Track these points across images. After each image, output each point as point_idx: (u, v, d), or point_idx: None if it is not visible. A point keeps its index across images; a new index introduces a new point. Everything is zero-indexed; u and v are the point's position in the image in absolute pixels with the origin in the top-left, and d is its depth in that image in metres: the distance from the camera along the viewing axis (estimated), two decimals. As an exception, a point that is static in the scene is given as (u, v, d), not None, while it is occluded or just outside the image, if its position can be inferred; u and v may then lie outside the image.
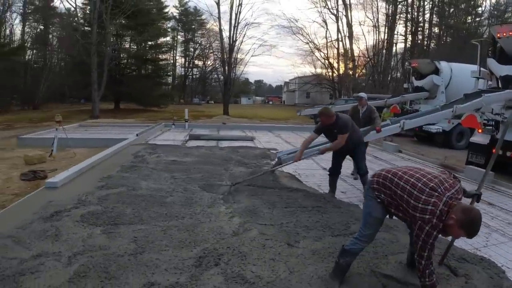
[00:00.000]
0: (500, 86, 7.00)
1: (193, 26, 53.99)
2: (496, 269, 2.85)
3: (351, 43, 30.65)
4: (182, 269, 2.57)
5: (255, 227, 3.42)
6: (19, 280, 2.38)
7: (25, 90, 28.77)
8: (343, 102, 17.37)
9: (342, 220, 3.70)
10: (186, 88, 57.70)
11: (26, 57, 31.87)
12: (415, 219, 2.02)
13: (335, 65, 33.51)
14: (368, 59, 33.25)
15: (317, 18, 79.24)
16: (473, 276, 2.68)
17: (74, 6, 25.34)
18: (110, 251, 2.81)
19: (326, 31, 38.14)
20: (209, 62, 53.07)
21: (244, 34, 28.20)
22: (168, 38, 43.76)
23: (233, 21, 25.63)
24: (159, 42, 35.67)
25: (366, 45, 39.87)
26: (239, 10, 25.53)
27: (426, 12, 33.26)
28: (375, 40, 33.58)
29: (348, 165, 5.08)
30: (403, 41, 34.02)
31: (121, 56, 31.28)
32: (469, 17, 32.29)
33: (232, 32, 25.76)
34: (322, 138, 4.92)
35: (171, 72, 49.76)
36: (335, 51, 33.23)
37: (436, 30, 33.90)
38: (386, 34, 32.30)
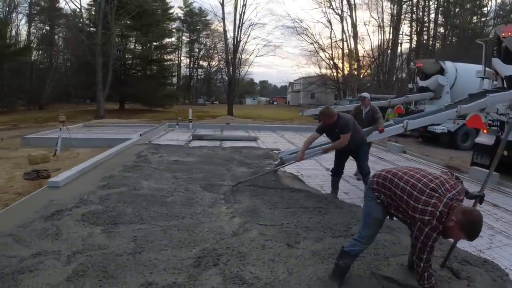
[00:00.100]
0: (505, 86, 6.92)
1: (198, 27, 54.14)
2: (500, 271, 2.80)
3: (355, 43, 30.59)
4: (180, 269, 2.55)
5: (255, 228, 3.40)
6: (18, 278, 2.38)
7: (31, 90, 29.07)
8: (348, 102, 17.33)
9: (344, 221, 3.67)
10: (191, 88, 57.90)
11: (32, 57, 32.24)
12: (415, 220, 1.98)
13: (340, 65, 33.47)
14: (373, 60, 33.12)
15: (322, 18, 78.91)
16: (475, 278, 2.63)
17: (79, 7, 25.54)
18: (109, 251, 2.81)
19: (331, 32, 38.34)
20: (214, 63, 53.17)
21: (249, 35, 28.29)
22: (173, 39, 43.93)
23: (237, 22, 25.71)
24: (164, 42, 35.88)
25: (371, 45, 39.70)
26: (243, 10, 25.60)
27: (431, 12, 33.12)
28: (380, 40, 33.54)
29: (351, 165, 5.04)
30: (408, 41, 33.88)
31: (126, 56, 31.48)
32: (475, 17, 32.09)
33: (236, 33, 25.84)
34: (324, 138, 4.89)
35: (176, 73, 49.99)
36: (340, 51, 33.22)
37: (441, 30, 33.75)
38: (391, 34, 32.21)
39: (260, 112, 30.22)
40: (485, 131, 6.80)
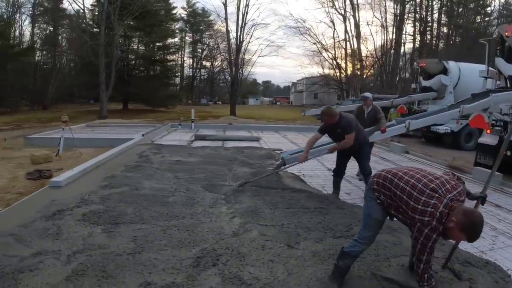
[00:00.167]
0: (508, 85, 6.87)
1: (201, 27, 54.24)
2: (502, 273, 2.77)
3: (358, 43, 30.49)
4: (179, 269, 2.55)
5: (256, 228, 3.39)
6: (18, 278, 2.39)
7: (35, 90, 29.20)
8: (350, 102, 17.27)
9: (345, 222, 3.65)
10: (194, 89, 57.99)
11: (36, 58, 32.36)
12: (414, 221, 1.96)
13: (343, 65, 33.37)
14: (376, 59, 33.01)
15: (325, 18, 78.74)
16: (477, 280, 2.60)
17: (83, 7, 25.67)
18: (109, 250, 2.81)
19: (334, 31, 38.11)
20: (217, 63, 53.36)
21: (251, 35, 28.27)
22: (176, 39, 44.10)
23: (240, 22, 25.72)
24: (167, 43, 35.95)
25: (374, 45, 39.57)
26: (246, 10, 25.60)
27: (435, 11, 32.91)
28: (383, 40, 33.37)
29: (353, 165, 5.02)
30: (412, 41, 33.72)
31: (129, 57, 31.54)
32: (478, 17, 31.92)
33: (239, 33, 25.84)
34: (326, 138, 4.87)
35: (179, 73, 50.14)
36: (343, 51, 33.11)
37: (445, 30, 33.57)
38: (394, 34, 32.06)
39: (263, 112, 30.20)
40: (488, 131, 6.75)
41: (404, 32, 32.58)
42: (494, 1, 32.57)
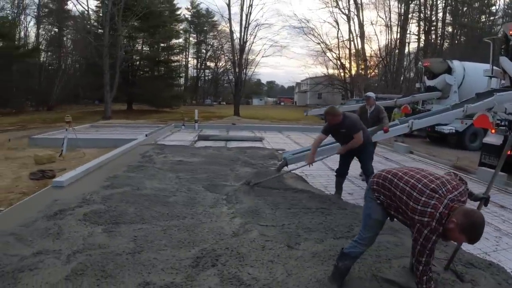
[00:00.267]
0: (513, 85, 6.80)
1: (205, 28, 54.42)
2: (505, 274, 2.72)
3: (362, 43, 30.39)
4: (178, 269, 2.54)
5: (256, 228, 3.37)
6: (17, 277, 2.40)
7: (40, 91, 29.44)
8: (354, 102, 17.21)
9: (346, 222, 3.62)
10: (198, 89, 58.18)
11: (41, 59, 32.64)
12: (414, 222, 1.92)
13: (347, 65, 33.26)
14: (380, 59, 32.86)
15: (329, 18, 78.78)
16: (480, 282, 2.57)
17: (87, 9, 25.82)
18: (109, 250, 2.82)
19: (338, 31, 37.92)
20: (221, 64, 53.40)
21: (255, 35, 28.30)
22: (180, 40, 44.24)
23: (243, 22, 25.75)
24: (171, 44, 36.16)
25: (379, 45, 39.45)
26: (249, 11, 25.63)
27: (439, 11, 32.72)
28: (387, 40, 33.25)
29: (356, 166, 4.98)
30: (416, 40, 33.55)
31: (134, 57, 31.70)
32: (483, 16, 31.63)
33: (243, 33, 25.88)
34: (329, 138, 4.83)
35: (183, 74, 50.30)
36: (347, 51, 33.00)
37: (449, 29, 33.31)
38: (398, 34, 31.89)
39: (266, 113, 30.20)
40: (493, 130, 6.68)
41: (408, 31, 32.40)
42: (499, 0, 32.28)
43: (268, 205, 4.09)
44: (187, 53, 54.76)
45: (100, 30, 27.07)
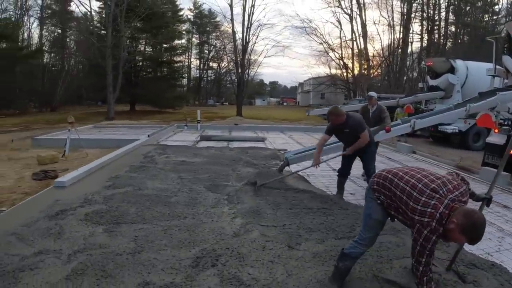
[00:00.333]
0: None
1: (208, 29, 54.49)
2: (508, 275, 2.70)
3: (365, 43, 30.38)
4: (178, 269, 2.54)
5: (257, 228, 3.37)
6: (18, 276, 2.41)
7: (43, 92, 29.55)
8: (357, 102, 17.17)
9: (348, 223, 3.60)
10: (201, 90, 58.27)
11: (44, 60, 32.78)
12: (414, 222, 1.91)
13: (350, 65, 33.20)
14: (383, 59, 32.76)
15: (331, 18, 78.69)
16: (482, 283, 2.54)
17: (90, 10, 25.94)
18: (109, 250, 2.82)
19: (340, 31, 37.73)
20: (223, 64, 53.50)
21: (257, 36, 28.28)
22: (183, 41, 44.36)
23: (246, 23, 25.76)
24: (174, 44, 36.22)
25: (381, 45, 39.33)
26: (252, 11, 25.64)
27: (442, 10, 32.53)
28: (390, 40, 33.12)
29: (358, 166, 4.96)
30: (419, 40, 33.38)
31: (137, 58, 31.80)
32: (486, 15, 31.43)
33: (245, 34, 25.88)
34: (333, 138, 4.81)
35: (186, 74, 50.39)
36: (350, 51, 32.97)
37: (452, 28, 33.11)
38: (401, 33, 31.79)
39: (269, 113, 30.19)
40: (496, 130, 6.63)
41: (411, 31, 32.30)
42: (502, -1, 32.08)
43: (269, 205, 4.08)
44: (189, 53, 54.86)
45: (103, 31, 27.12)
